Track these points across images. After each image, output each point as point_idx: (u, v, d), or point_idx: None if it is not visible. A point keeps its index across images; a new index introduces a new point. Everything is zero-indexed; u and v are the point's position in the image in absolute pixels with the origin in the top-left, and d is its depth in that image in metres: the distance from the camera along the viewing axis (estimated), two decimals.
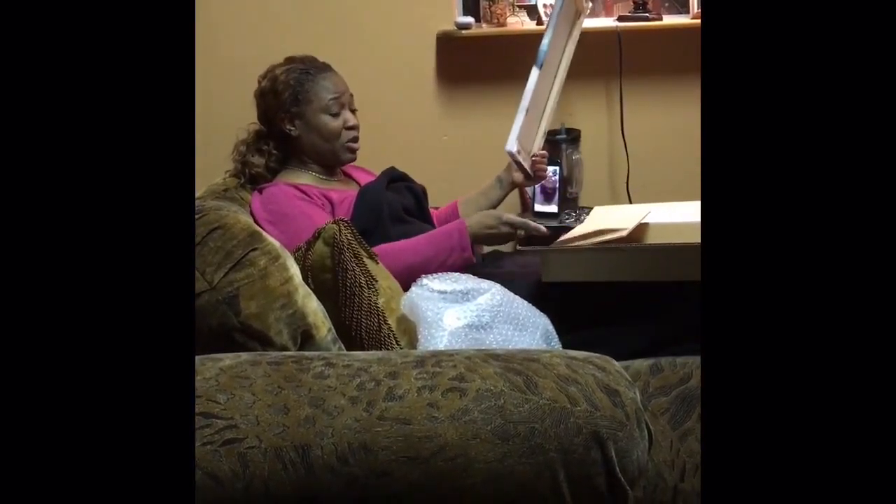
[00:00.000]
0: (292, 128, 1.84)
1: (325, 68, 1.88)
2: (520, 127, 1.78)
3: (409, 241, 1.65)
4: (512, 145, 1.76)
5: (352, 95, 1.90)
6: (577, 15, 2.03)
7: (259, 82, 1.88)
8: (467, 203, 1.99)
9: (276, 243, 1.24)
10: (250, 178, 1.85)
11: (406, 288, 1.47)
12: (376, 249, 1.50)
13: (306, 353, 1.14)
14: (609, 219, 1.81)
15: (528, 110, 1.80)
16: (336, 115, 1.84)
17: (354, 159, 1.92)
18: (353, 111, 1.89)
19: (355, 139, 1.88)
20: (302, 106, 1.83)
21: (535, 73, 1.82)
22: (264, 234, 1.24)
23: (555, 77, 1.99)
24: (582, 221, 1.94)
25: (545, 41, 1.83)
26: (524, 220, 1.75)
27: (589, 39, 2.62)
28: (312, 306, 1.24)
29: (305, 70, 1.85)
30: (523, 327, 1.39)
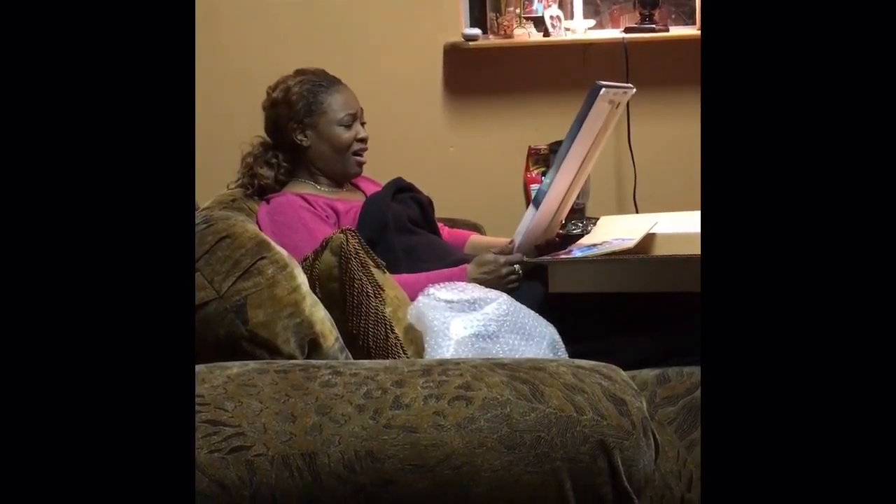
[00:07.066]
0: (304, 138, 1.86)
1: (337, 82, 1.91)
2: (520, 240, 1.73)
3: (411, 276, 1.64)
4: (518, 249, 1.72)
5: (362, 109, 1.92)
6: (605, 129, 1.81)
7: (269, 93, 1.90)
8: (476, 247, 1.97)
9: (284, 252, 1.25)
10: (259, 189, 1.87)
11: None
12: None
13: (313, 362, 1.14)
14: (616, 229, 1.81)
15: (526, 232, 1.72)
16: (348, 127, 1.86)
17: (360, 172, 1.93)
18: (363, 124, 1.91)
19: (363, 152, 1.90)
20: (315, 117, 1.85)
21: (530, 211, 1.72)
22: (272, 243, 1.25)
23: (579, 167, 1.81)
24: (589, 232, 1.94)
25: (546, 181, 1.69)
26: (519, 255, 1.70)
27: (596, 51, 2.64)
28: (320, 315, 1.24)
29: (318, 82, 1.87)
30: (530, 337, 1.39)
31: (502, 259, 1.67)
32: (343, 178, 1.92)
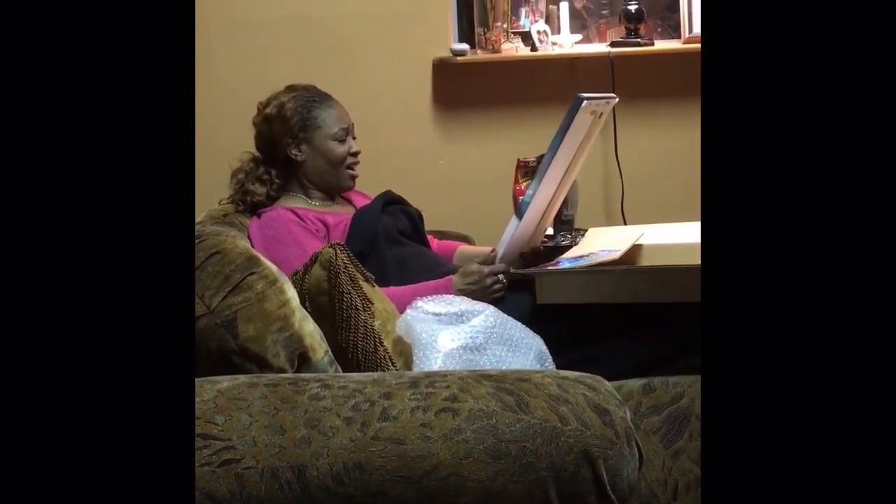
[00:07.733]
0: (298, 153, 1.88)
1: (329, 97, 1.93)
2: (504, 249, 1.75)
3: (398, 289, 1.66)
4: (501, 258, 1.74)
5: (353, 124, 1.95)
6: (588, 138, 1.84)
7: (260, 109, 1.92)
8: (463, 257, 1.99)
9: (274, 267, 1.26)
10: (251, 205, 1.88)
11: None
12: None
13: (302, 375, 1.15)
14: (603, 240, 1.83)
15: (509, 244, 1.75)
16: (342, 142, 1.89)
17: (354, 186, 1.96)
18: (354, 138, 1.94)
19: (356, 165, 1.93)
20: (310, 132, 1.87)
21: (513, 222, 1.74)
22: (262, 258, 1.26)
23: (563, 176, 1.84)
24: (577, 243, 1.96)
25: (530, 192, 1.71)
26: (503, 265, 1.72)
27: (582, 64, 2.67)
28: (309, 329, 1.26)
29: (311, 98, 1.90)
30: (517, 348, 1.41)
31: (486, 269, 1.70)
32: (337, 191, 1.95)
